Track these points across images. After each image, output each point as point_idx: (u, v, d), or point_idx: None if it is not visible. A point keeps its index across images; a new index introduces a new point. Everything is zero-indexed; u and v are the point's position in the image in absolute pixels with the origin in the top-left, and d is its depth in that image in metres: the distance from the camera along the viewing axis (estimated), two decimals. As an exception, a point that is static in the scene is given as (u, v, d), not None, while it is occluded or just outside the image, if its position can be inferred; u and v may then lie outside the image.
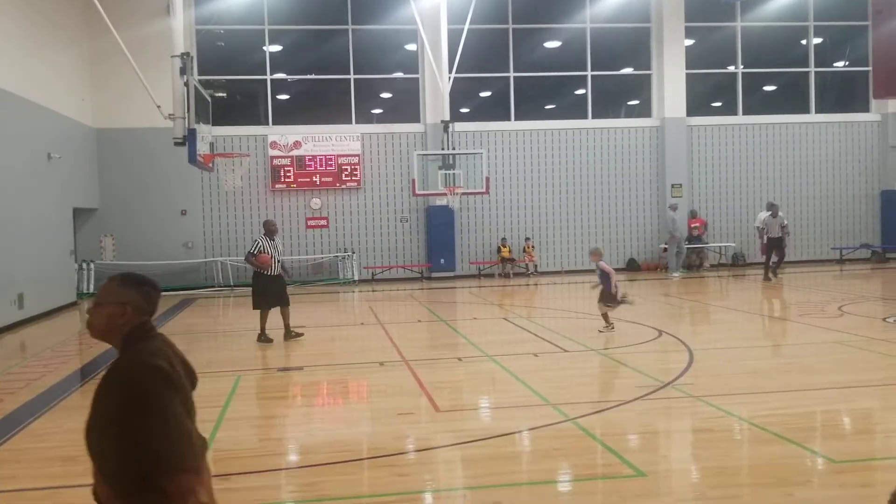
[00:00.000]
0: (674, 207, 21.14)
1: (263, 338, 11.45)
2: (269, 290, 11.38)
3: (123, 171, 20.12)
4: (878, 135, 23.45)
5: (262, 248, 11.29)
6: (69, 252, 17.89)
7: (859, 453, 5.76)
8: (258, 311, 11.51)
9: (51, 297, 16.27)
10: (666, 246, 21.99)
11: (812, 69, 23.40)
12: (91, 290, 19.35)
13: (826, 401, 7.36)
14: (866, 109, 23.47)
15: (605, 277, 11.54)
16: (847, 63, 24.22)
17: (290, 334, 11.60)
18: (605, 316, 11.69)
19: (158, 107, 12.91)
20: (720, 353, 10.08)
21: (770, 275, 18.67)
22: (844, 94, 24.16)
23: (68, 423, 7.32)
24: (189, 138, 12.36)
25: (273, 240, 11.45)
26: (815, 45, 23.47)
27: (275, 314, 11.54)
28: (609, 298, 11.58)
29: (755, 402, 7.24)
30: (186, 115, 12.39)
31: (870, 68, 23.14)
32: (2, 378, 9.66)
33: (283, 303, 11.54)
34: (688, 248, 21.78)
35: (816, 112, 23.48)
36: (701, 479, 5.38)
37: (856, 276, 19.61)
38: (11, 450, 6.47)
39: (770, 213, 18.87)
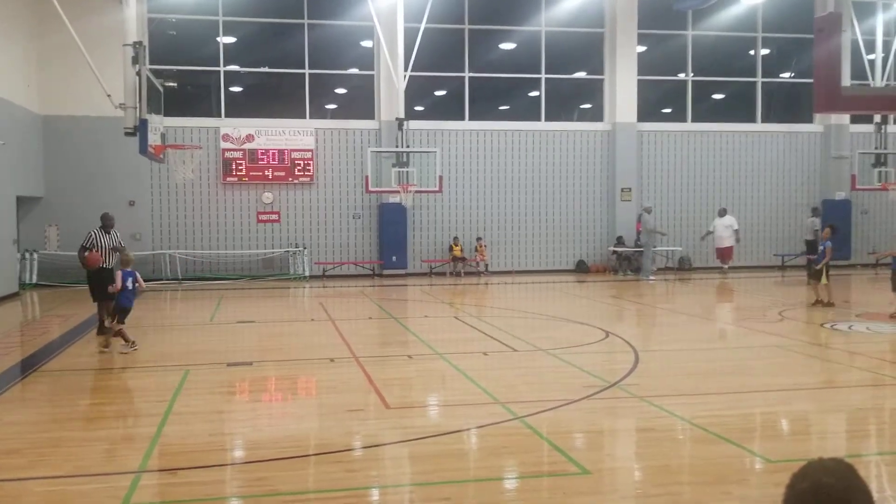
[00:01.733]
0: (649, 210, 21.47)
1: (103, 330, 11.27)
2: (102, 282, 11.25)
3: (70, 160, 19.63)
4: (820, 145, 24.21)
5: (94, 241, 11.25)
6: (11, 241, 17.42)
7: (794, 453, 5.99)
8: (97, 304, 11.44)
9: (-10, 287, 15.83)
10: (615, 249, 22.40)
11: (759, 79, 24.04)
12: (34, 280, 18.87)
13: (765, 403, 7.61)
14: (810, 120, 24.19)
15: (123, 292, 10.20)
16: (793, 74, 24.96)
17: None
18: (121, 333, 10.19)
19: (109, 96, 12.66)
20: (665, 354, 10.33)
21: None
22: (790, 105, 24.90)
23: (9, 416, 7.16)
24: (140, 128, 12.16)
25: (109, 233, 11.45)
26: (763, 56, 24.11)
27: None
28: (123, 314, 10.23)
29: (697, 403, 7.46)
30: (138, 104, 12.18)
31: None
32: (-62, 369, 9.39)
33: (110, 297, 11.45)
34: (634, 252, 22.18)
35: (762, 121, 24.13)
36: (644, 477, 5.54)
37: (797, 283, 20.21)
38: (-51, 443, 6.31)
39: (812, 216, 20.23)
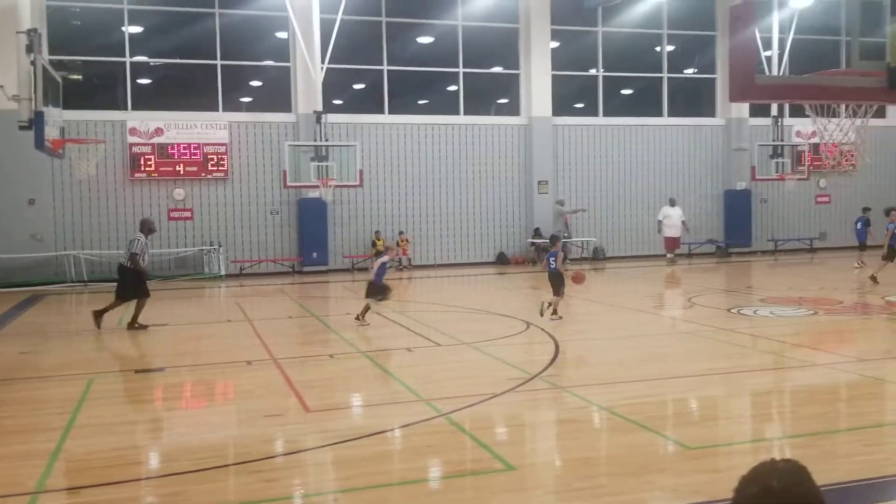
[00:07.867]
0: (562, 203, 21.69)
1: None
2: (139, 283, 11.96)
3: (-39, 157, 18.43)
4: (722, 138, 25.06)
5: (143, 247, 11.91)
6: None
7: (710, 439, 6.12)
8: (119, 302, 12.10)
9: None
10: (533, 241, 22.61)
11: (665, 75, 24.69)
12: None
13: (680, 389, 7.77)
14: (712, 114, 25.09)
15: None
16: (696, 70, 25.84)
17: (135, 325, 11.94)
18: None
19: (1, 87, 11.91)
20: (584, 344, 10.47)
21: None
22: (694, 99, 25.76)
23: None
24: (36, 122, 11.41)
25: (148, 238, 12.12)
26: (668, 53, 24.78)
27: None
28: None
29: (616, 392, 7.54)
30: (33, 96, 11.44)
31: (716, 76, 24.81)
32: None
33: (144, 294, 12.03)
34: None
35: (669, 115, 24.80)
36: (567, 470, 5.54)
37: (703, 270, 20.91)
38: None
39: None
